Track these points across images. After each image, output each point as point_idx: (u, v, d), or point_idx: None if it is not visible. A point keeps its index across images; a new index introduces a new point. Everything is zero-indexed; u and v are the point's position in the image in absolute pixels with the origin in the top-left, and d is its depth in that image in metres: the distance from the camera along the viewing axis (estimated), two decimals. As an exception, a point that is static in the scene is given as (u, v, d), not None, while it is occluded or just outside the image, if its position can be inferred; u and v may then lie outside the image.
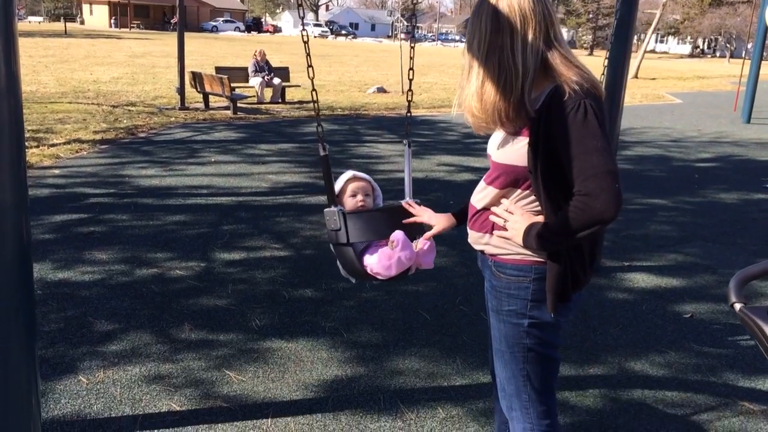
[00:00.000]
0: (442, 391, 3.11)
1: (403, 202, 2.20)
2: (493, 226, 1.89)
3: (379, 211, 2.15)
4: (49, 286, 4.04)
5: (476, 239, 1.97)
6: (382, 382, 3.16)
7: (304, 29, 2.27)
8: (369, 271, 2.12)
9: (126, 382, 3.05)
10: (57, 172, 6.88)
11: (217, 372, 3.18)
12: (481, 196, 1.93)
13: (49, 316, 3.65)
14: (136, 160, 7.66)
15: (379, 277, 2.12)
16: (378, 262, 2.07)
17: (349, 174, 2.27)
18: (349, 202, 2.21)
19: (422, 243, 2.13)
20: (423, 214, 2.18)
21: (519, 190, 1.84)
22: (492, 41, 1.74)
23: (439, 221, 2.15)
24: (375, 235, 2.08)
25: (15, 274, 1.69)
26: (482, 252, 1.97)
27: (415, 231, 2.15)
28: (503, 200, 1.88)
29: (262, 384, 3.10)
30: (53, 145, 8.09)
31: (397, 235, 2.04)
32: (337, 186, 2.24)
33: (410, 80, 2.38)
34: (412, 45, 2.39)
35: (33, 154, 7.48)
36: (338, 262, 2.20)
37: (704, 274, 4.78)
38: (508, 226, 1.84)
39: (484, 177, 1.96)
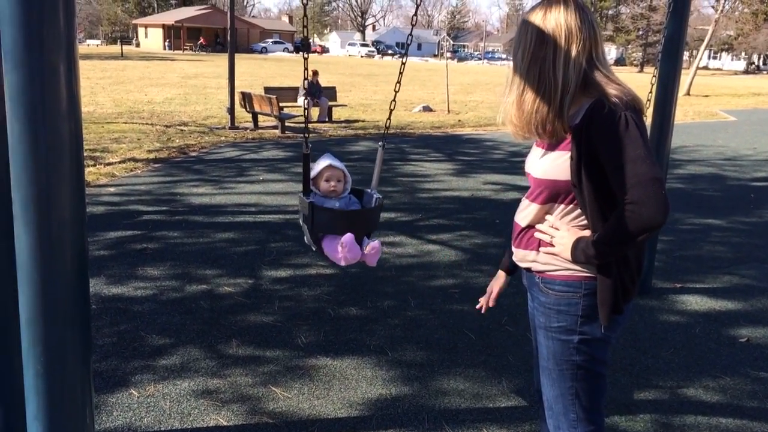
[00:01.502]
0: (487, 413, 3.08)
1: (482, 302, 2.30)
2: (539, 243, 1.90)
3: (340, 213, 2.50)
4: (103, 300, 4.16)
5: (522, 257, 1.97)
6: (426, 402, 3.15)
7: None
8: (324, 252, 2.51)
9: (175, 396, 3.11)
10: (112, 190, 7.10)
11: (263, 388, 3.22)
12: (525, 213, 1.95)
13: (103, 330, 3.75)
14: (188, 178, 7.86)
15: (331, 260, 2.51)
16: (330, 253, 2.46)
17: (326, 161, 2.59)
18: (323, 186, 2.56)
19: (369, 247, 2.46)
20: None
21: (562, 205, 1.85)
22: (535, 52, 1.78)
23: (496, 284, 2.25)
24: (333, 232, 2.46)
25: (73, 287, 1.75)
26: (528, 270, 1.96)
27: (363, 233, 2.51)
28: (547, 216, 1.88)
29: (307, 401, 3.12)
30: (109, 164, 8.36)
31: (346, 238, 2.37)
32: (316, 169, 2.57)
33: (396, 92, 2.68)
34: (403, 62, 2.75)
35: (90, 173, 7.74)
36: (304, 232, 2.56)
37: (761, 297, 4.63)
38: (554, 242, 1.85)
39: (525, 195, 1.97)
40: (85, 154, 8.86)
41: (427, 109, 16.92)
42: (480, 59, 71.57)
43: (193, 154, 9.57)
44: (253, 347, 3.64)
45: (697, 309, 4.39)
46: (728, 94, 28.20)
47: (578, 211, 1.83)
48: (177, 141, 10.49)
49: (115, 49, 48.19)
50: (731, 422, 3.05)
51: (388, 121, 2.79)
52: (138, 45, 68.91)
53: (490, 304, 2.27)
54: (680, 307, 4.41)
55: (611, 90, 1.73)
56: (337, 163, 2.61)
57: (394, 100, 2.72)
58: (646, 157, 1.65)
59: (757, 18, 54.14)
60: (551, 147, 1.84)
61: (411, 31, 2.72)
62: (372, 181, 2.71)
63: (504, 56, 77.44)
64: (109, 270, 4.68)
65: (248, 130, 12.17)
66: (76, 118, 1.63)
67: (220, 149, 10.03)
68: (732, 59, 72.73)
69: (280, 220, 6.15)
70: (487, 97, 22.32)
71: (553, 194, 1.84)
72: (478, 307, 2.30)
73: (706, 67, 64.96)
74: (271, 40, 69.82)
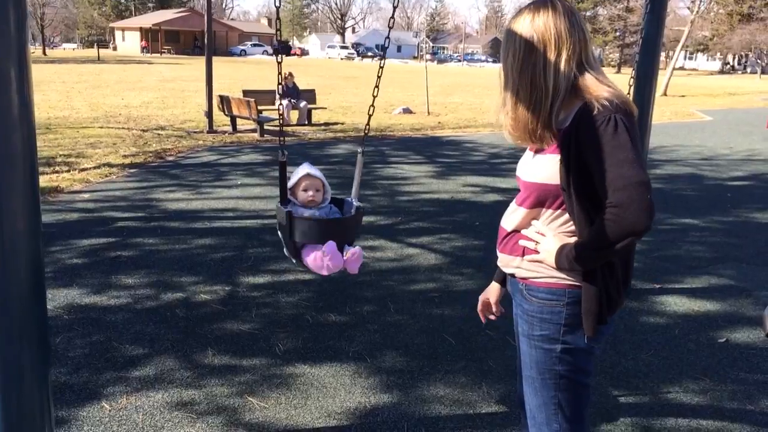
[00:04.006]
0: (467, 420, 3.04)
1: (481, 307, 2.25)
2: (524, 250, 1.85)
3: (318, 222, 2.41)
4: (75, 311, 4.07)
5: (507, 262, 1.92)
6: (406, 410, 3.10)
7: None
8: (304, 263, 2.43)
9: (149, 409, 3.03)
10: (87, 196, 6.98)
11: (239, 398, 3.16)
12: (512, 217, 1.91)
13: (75, 342, 3.66)
14: (164, 183, 7.75)
15: (312, 270, 2.43)
16: (312, 262, 2.37)
17: (304, 170, 2.51)
18: (301, 196, 2.49)
19: (350, 253, 2.40)
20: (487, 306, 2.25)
21: (549, 210, 1.81)
22: (525, 59, 1.74)
23: (491, 295, 2.20)
24: (313, 240, 2.38)
25: (29, 302, 1.68)
26: (512, 275, 1.92)
27: (344, 241, 2.43)
28: (533, 221, 1.84)
29: (285, 411, 3.06)
30: (84, 170, 8.22)
31: (328, 246, 2.32)
32: (293, 179, 2.49)
33: (374, 96, 2.61)
34: (381, 65, 2.66)
35: (64, 179, 7.61)
36: (283, 244, 2.49)
37: (739, 297, 4.64)
38: (539, 248, 1.81)
39: (515, 199, 1.93)
40: (59, 159, 8.75)
41: (407, 111, 16.89)
42: (459, 61, 71.81)
43: (170, 158, 9.45)
44: (230, 356, 3.57)
45: (676, 310, 4.39)
46: (704, 94, 28.54)
47: (566, 216, 1.79)
48: (154, 145, 10.35)
49: (92, 52, 47.63)
50: (712, 424, 3.04)
51: (367, 127, 2.71)
52: (115, 48, 68.26)
53: (494, 312, 2.22)
54: (659, 308, 4.41)
55: (602, 93, 1.69)
56: (315, 171, 2.53)
57: (372, 105, 2.67)
58: (633, 160, 1.61)
59: (732, 19, 54.91)
60: (540, 150, 1.81)
61: (388, 34, 2.67)
62: (352, 189, 2.62)
63: (483, 58, 77.77)
64: (82, 279, 4.58)
65: (226, 134, 12.06)
66: (29, 125, 1.56)
67: (197, 153, 9.92)
68: (707, 60, 73.67)
69: (258, 226, 6.08)
70: (467, 98, 22.36)
71: (541, 198, 1.80)
72: (483, 319, 2.27)
73: (682, 68, 65.74)
74: (250, 42, 69.56)
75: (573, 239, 1.78)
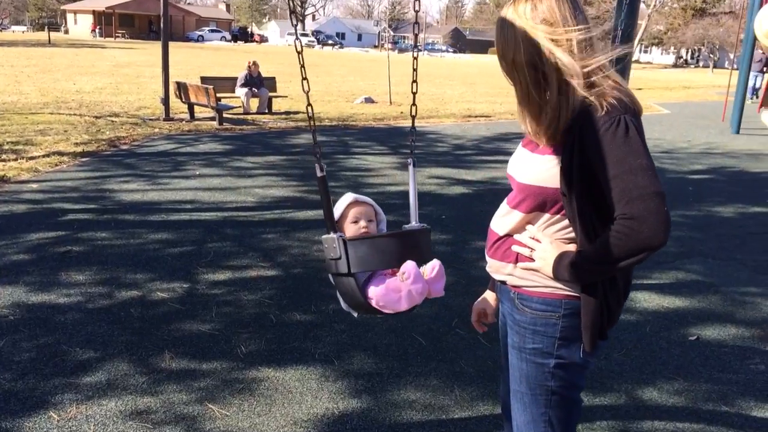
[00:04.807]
0: (440, 425, 2.91)
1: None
2: (518, 256, 1.71)
3: (384, 237, 1.87)
4: (22, 310, 3.81)
5: (497, 269, 1.78)
6: (376, 416, 2.96)
7: (297, 39, 2.04)
8: (374, 304, 1.82)
9: (100, 419, 2.82)
10: (35, 186, 6.63)
11: (199, 406, 2.97)
12: (504, 221, 1.75)
13: (21, 345, 3.42)
14: (118, 173, 7.43)
15: (385, 311, 1.82)
16: (385, 295, 1.78)
17: (350, 198, 2.02)
18: (351, 229, 1.97)
19: (429, 269, 1.84)
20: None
21: (547, 215, 1.66)
22: (529, 51, 1.57)
23: (487, 305, 2.04)
24: (380, 265, 1.80)
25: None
26: (503, 282, 1.78)
27: (423, 258, 1.86)
28: (528, 226, 1.70)
29: (248, 419, 2.89)
30: (32, 158, 7.84)
31: (408, 266, 1.76)
32: (337, 211, 1.99)
33: (414, 93, 2.04)
34: (415, 56, 2.10)
35: (11, 168, 7.23)
36: (338, 293, 1.92)
37: (707, 293, 4.63)
38: (535, 256, 1.67)
39: (506, 199, 1.78)
40: (6, 147, 8.32)
41: (369, 100, 16.69)
42: (420, 51, 71.66)
43: (125, 147, 9.09)
44: (189, 359, 3.37)
45: (646, 307, 4.34)
46: (660, 87, 29.01)
47: (565, 222, 1.65)
48: (107, 133, 9.96)
49: (43, 35, 45.99)
50: (689, 427, 2.97)
51: (413, 129, 2.10)
52: (67, 32, 66.18)
53: (490, 322, 2.07)
54: (629, 305, 4.35)
55: (609, 89, 1.54)
56: (363, 198, 2.04)
57: (414, 103, 2.06)
58: (648, 167, 1.48)
59: (686, 13, 56.05)
60: (536, 147, 1.66)
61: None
62: (410, 210, 2.07)
63: (444, 48, 77.84)
64: (29, 276, 4.31)
65: (184, 122, 11.69)
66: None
67: (153, 142, 9.57)
68: (662, 53, 75.06)
69: (218, 218, 5.85)
70: (429, 89, 22.24)
71: (539, 202, 1.66)
72: (480, 330, 2.11)
73: (637, 61, 66.83)
74: (207, 28, 68.18)
75: (571, 246, 1.65)
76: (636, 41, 30.83)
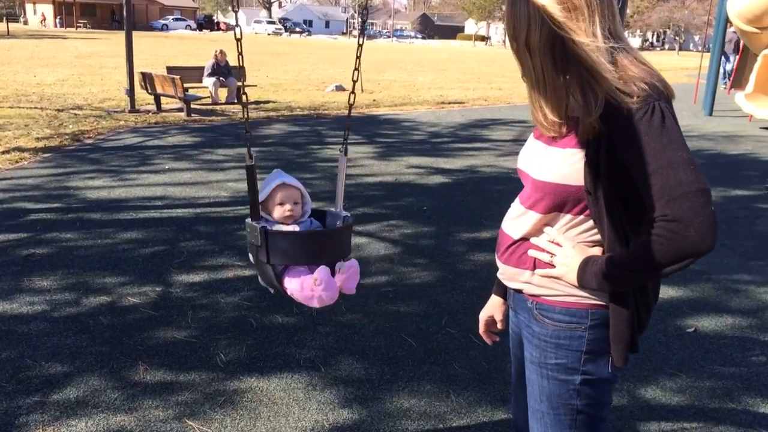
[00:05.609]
0: (438, 435, 2.74)
1: None
2: (536, 262, 1.53)
3: (303, 236, 1.94)
4: (-20, 322, 3.54)
5: (512, 276, 1.59)
6: (368, 427, 2.77)
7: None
8: (288, 293, 1.94)
9: (70, 442, 2.59)
10: (-6, 185, 6.29)
11: (178, 423, 2.75)
12: (519, 222, 1.56)
13: (-20, 361, 3.15)
14: (83, 169, 7.09)
15: (298, 301, 1.94)
16: (299, 291, 1.89)
17: (277, 179, 2.03)
18: (277, 211, 2.01)
19: (346, 268, 1.93)
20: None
21: (568, 216, 1.48)
22: (542, 32, 1.37)
23: (495, 312, 1.85)
24: (299, 261, 1.90)
25: None
26: (519, 291, 1.60)
27: (342, 252, 1.96)
28: (546, 228, 1.51)
29: (232, 436, 2.68)
30: (-10, 155, 7.46)
31: (322, 273, 1.84)
32: (264, 190, 2.02)
33: (354, 81, 2.08)
34: (360, 43, 2.13)
35: (-33, 166, 6.85)
36: (257, 272, 2.03)
37: (699, 281, 4.51)
38: (556, 262, 1.48)
39: (519, 198, 1.59)
40: (-39, 144, 7.91)
41: (339, 88, 16.40)
42: (389, 37, 71.27)
43: (89, 141, 8.73)
44: (164, 371, 3.14)
45: (639, 297, 4.21)
46: (630, 71, 29.10)
47: (589, 223, 1.47)
48: (70, 127, 9.56)
49: (1, 27, 44.60)
50: (696, 427, 2.84)
51: (348, 116, 2.18)
52: (26, 23, 64.34)
53: (500, 329, 1.88)
54: (622, 296, 4.22)
55: (637, 73, 1.35)
56: (291, 180, 2.05)
57: (353, 90, 2.14)
58: (689, 161, 1.30)
59: (652, -4, 56.48)
60: (555, 140, 1.47)
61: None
62: (336, 197, 2.12)
63: (413, 34, 77.46)
64: (-11, 283, 4.02)
65: (150, 114, 11.31)
66: None
67: (119, 135, 9.21)
68: (628, 36, 75.62)
69: (191, 215, 5.58)
70: (400, 75, 22.01)
71: (559, 202, 1.47)
72: (489, 341, 1.91)
73: (605, 45, 67.19)
74: (172, 17, 66.83)
75: (595, 250, 1.47)
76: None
